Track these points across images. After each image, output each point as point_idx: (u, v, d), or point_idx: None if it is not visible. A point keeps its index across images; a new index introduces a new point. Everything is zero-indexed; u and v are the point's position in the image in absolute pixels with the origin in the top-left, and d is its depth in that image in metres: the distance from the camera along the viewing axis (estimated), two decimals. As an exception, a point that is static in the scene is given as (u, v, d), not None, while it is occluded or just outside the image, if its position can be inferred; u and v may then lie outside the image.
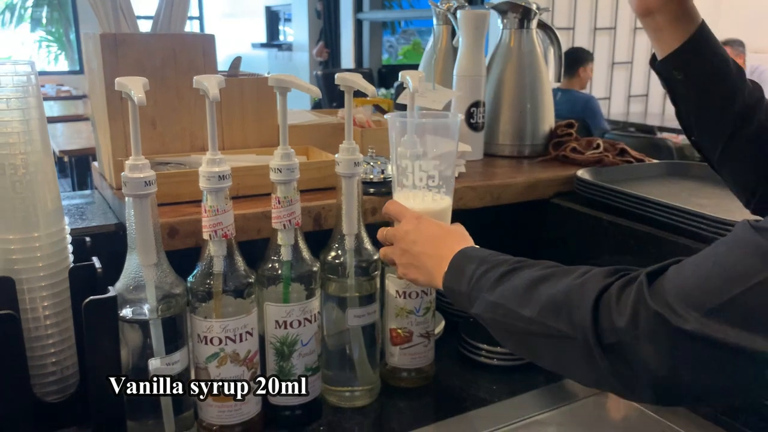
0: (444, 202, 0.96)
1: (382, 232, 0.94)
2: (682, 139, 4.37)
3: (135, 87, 0.77)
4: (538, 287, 0.69)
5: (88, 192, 1.28)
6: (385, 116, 0.96)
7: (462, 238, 0.88)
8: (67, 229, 0.92)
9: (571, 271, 0.69)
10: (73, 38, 8.18)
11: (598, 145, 1.39)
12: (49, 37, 8.54)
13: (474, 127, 1.38)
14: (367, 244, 0.99)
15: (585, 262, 1.20)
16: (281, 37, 9.14)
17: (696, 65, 0.81)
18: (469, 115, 1.37)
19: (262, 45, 8.88)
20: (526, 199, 1.26)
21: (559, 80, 1.52)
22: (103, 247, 0.96)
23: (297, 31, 8.24)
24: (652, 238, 1.09)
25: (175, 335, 0.87)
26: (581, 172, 1.26)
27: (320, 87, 1.84)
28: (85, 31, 1.15)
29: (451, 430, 0.96)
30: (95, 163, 1.27)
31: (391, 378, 1.08)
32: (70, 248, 0.92)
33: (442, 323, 1.23)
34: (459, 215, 1.19)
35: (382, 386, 1.06)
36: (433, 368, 1.10)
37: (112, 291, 0.82)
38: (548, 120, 1.47)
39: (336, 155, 0.94)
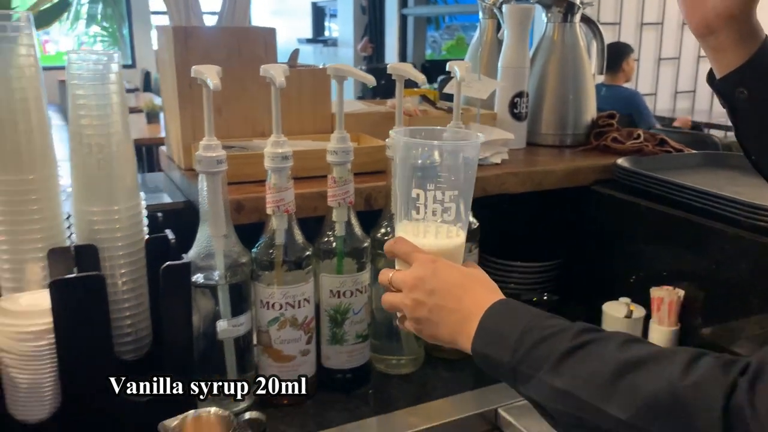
0: (459, 239, 0.78)
1: (386, 276, 0.78)
2: (728, 135, 4.33)
3: (210, 74, 0.86)
4: (625, 377, 0.57)
5: (155, 174, 1.38)
6: (391, 132, 0.83)
7: (488, 288, 0.74)
8: (143, 204, 1.02)
9: (664, 357, 0.57)
10: (126, 33, 8.45)
11: (639, 136, 1.43)
12: (104, 33, 8.84)
13: (517, 116, 1.44)
14: (415, 223, 1.06)
15: (622, 248, 1.27)
16: (327, 33, 9.28)
17: (761, 83, 0.73)
18: (512, 105, 1.43)
19: (308, 41, 9.04)
20: (566, 186, 1.31)
21: (601, 72, 1.57)
22: (173, 222, 1.06)
23: (342, 27, 8.36)
24: (688, 223, 1.13)
25: (240, 300, 0.96)
26: (621, 160, 1.31)
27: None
28: (139, 26, 1.25)
29: (493, 395, 1.02)
30: (163, 148, 1.37)
31: (435, 350, 1.15)
32: (146, 222, 1.02)
33: (484, 302, 1.29)
34: (500, 201, 1.26)
35: (426, 358, 1.14)
36: (474, 342, 1.17)
37: (186, 258, 0.91)
38: (590, 110, 1.52)
39: (386, 140, 1.02)
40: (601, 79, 3.75)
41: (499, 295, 0.72)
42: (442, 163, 0.75)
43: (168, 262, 0.89)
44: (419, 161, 0.76)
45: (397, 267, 0.80)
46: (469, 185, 0.77)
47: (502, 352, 0.65)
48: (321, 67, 1.29)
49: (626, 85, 4.34)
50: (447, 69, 1.09)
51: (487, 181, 1.22)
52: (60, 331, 0.84)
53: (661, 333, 1.13)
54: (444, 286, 0.72)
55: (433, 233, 0.77)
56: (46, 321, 0.84)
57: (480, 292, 0.72)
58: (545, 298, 1.30)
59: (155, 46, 1.31)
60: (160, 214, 1.07)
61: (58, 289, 0.83)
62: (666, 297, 1.12)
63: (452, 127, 1.06)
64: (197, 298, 0.94)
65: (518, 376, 0.64)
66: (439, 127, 0.83)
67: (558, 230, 1.42)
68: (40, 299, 0.87)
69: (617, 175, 1.30)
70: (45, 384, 0.86)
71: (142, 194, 1.01)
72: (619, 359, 0.58)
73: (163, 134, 1.41)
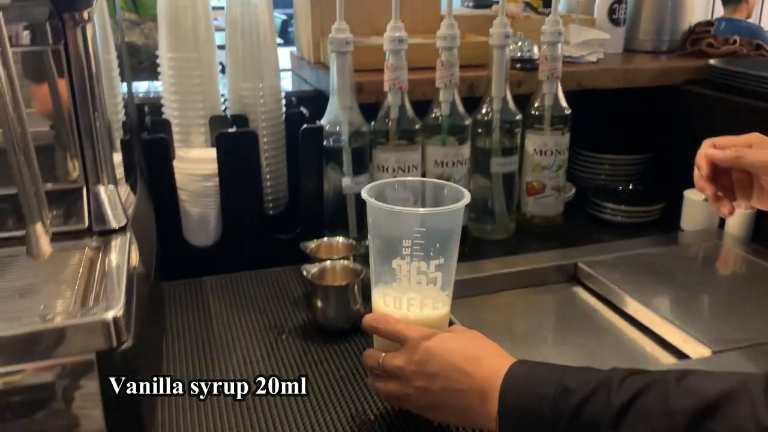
0: (446, 307, 0.71)
1: (374, 359, 0.68)
2: None
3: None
4: (703, 426, 0.50)
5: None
6: (363, 193, 0.71)
7: (495, 352, 0.64)
8: (282, 85, 1.22)
9: (736, 393, 0.50)
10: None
11: (735, 41, 1.49)
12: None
13: (615, 22, 1.53)
14: (512, 106, 1.21)
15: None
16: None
17: None
18: (611, 11, 1.52)
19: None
20: (657, 84, 1.40)
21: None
22: (306, 106, 1.26)
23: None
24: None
25: (361, 163, 1.15)
26: (714, 60, 1.38)
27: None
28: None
29: (574, 252, 1.17)
30: (292, 49, 1.57)
31: (525, 223, 1.31)
32: (284, 101, 1.23)
33: (573, 190, 1.43)
34: (593, 96, 1.37)
35: (517, 231, 1.30)
36: (561, 219, 1.32)
37: (319, 123, 1.11)
38: (687, 17, 1.58)
39: (490, 29, 1.16)
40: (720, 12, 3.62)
41: (508, 359, 0.62)
42: (424, 231, 0.66)
43: (306, 125, 1.09)
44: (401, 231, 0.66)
45: (377, 344, 0.72)
46: (455, 249, 0.69)
47: (542, 428, 0.55)
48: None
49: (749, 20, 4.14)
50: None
51: (582, 75, 1.34)
52: (223, 175, 1.07)
53: (738, 215, 1.23)
54: (448, 366, 0.62)
55: (417, 302, 0.68)
56: (212, 167, 1.07)
57: (489, 361, 0.62)
58: (631, 187, 1.41)
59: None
60: (294, 99, 1.28)
61: (222, 141, 1.05)
62: (744, 182, 1.22)
63: (549, 26, 1.19)
64: (327, 171, 1.14)
65: None
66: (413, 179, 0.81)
67: (647, 126, 1.51)
68: (206, 152, 1.10)
69: (710, 74, 1.38)
70: (210, 217, 1.09)
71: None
72: (686, 408, 0.51)
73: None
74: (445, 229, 0.67)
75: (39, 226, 0.59)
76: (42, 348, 0.55)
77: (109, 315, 0.57)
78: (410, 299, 0.68)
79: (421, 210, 0.70)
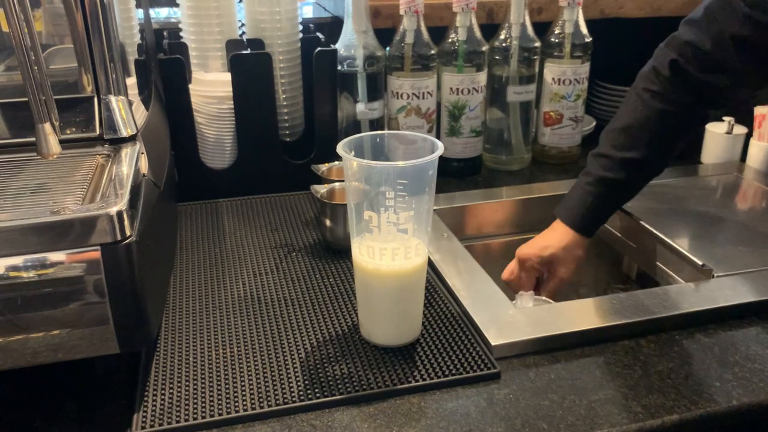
0: (419, 257, 0.72)
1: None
2: None
3: None
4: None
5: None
6: (338, 147, 0.70)
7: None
8: (299, 10, 1.21)
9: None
10: None
11: (772, -31, 1.42)
12: None
13: (645, -50, 1.47)
14: (531, 33, 1.19)
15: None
16: None
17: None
18: (641, -62, 1.46)
19: None
20: (686, 13, 1.35)
21: None
22: (323, 33, 1.25)
23: None
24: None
25: (375, 89, 1.15)
26: (745, -10, 1.33)
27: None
28: None
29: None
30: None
31: (541, 155, 1.30)
32: (300, 27, 1.22)
33: (593, 123, 1.41)
34: (616, 25, 1.34)
35: (533, 161, 1.29)
36: (578, 150, 1.31)
37: (333, 47, 1.11)
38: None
39: (508, -46, 1.13)
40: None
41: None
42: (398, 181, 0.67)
43: (319, 48, 1.09)
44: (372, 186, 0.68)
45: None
46: (428, 201, 0.70)
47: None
48: None
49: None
50: None
51: (605, 3, 1.31)
52: (237, 97, 1.08)
53: (759, 148, 1.21)
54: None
55: (389, 254, 0.70)
56: (227, 90, 1.08)
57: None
58: (653, 120, 1.39)
59: None
60: (312, 25, 1.27)
61: (237, 62, 1.05)
62: (769, 114, 1.19)
63: None
64: (340, 84, 1.14)
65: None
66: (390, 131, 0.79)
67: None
68: (222, 76, 1.11)
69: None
70: (226, 140, 1.11)
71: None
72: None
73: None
74: (416, 182, 0.67)
75: (47, 126, 0.61)
76: (48, 240, 0.58)
77: (113, 209, 0.59)
78: (382, 249, 0.70)
79: (387, 164, 0.68)
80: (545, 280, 0.97)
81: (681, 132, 0.91)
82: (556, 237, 0.94)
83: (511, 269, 0.98)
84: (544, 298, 0.94)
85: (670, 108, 0.89)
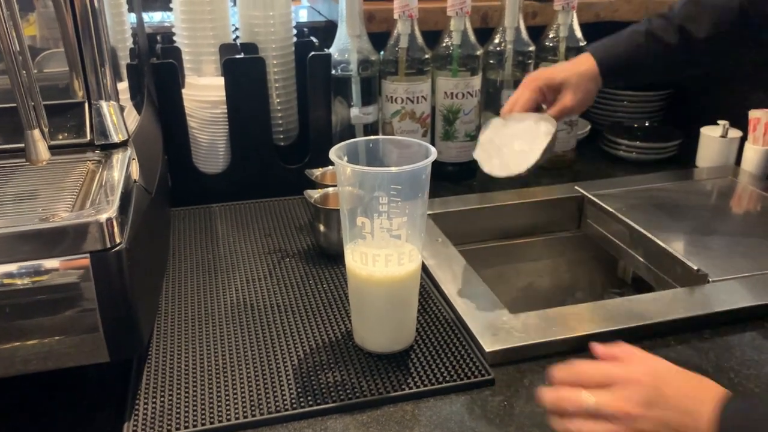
0: (413, 263, 0.70)
1: (578, 401, 0.55)
2: None
3: None
4: None
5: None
6: (330, 153, 0.68)
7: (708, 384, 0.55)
8: (293, 15, 1.21)
9: None
10: None
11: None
12: None
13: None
14: (525, 37, 1.19)
15: (727, 79, 1.32)
16: None
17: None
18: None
19: None
20: (679, 18, 1.36)
21: None
22: (317, 37, 1.25)
23: None
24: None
25: (369, 93, 1.15)
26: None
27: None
28: None
29: (590, 186, 1.17)
30: (308, -17, 1.55)
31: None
32: (294, 31, 1.22)
33: (588, 127, 1.41)
34: (612, 29, 1.33)
35: (529, 166, 1.28)
36: (572, 154, 1.30)
37: (327, 51, 1.11)
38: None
39: (503, -42, 1.13)
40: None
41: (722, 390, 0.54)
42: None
43: (313, 52, 1.09)
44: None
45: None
46: (421, 206, 0.69)
47: None
48: None
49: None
50: None
51: (600, 6, 1.31)
52: (231, 102, 1.07)
53: (755, 152, 1.21)
54: (680, 407, 0.53)
55: (383, 261, 0.69)
56: (221, 94, 1.07)
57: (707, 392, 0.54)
58: (647, 124, 1.39)
59: None
60: (306, 29, 1.27)
61: (230, 66, 1.05)
62: (763, 118, 1.19)
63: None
64: (334, 88, 1.14)
65: None
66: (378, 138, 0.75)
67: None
68: (215, 80, 1.10)
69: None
70: (219, 145, 1.11)
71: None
72: None
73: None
74: (410, 187, 0.66)
75: (36, 132, 0.60)
76: (37, 248, 0.57)
77: (103, 216, 0.58)
78: (375, 255, 0.69)
79: (380, 169, 0.67)
80: (547, 107, 0.94)
81: (743, 44, 0.92)
82: (575, 64, 0.94)
83: (513, 99, 0.93)
84: (537, 114, 0.91)
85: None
